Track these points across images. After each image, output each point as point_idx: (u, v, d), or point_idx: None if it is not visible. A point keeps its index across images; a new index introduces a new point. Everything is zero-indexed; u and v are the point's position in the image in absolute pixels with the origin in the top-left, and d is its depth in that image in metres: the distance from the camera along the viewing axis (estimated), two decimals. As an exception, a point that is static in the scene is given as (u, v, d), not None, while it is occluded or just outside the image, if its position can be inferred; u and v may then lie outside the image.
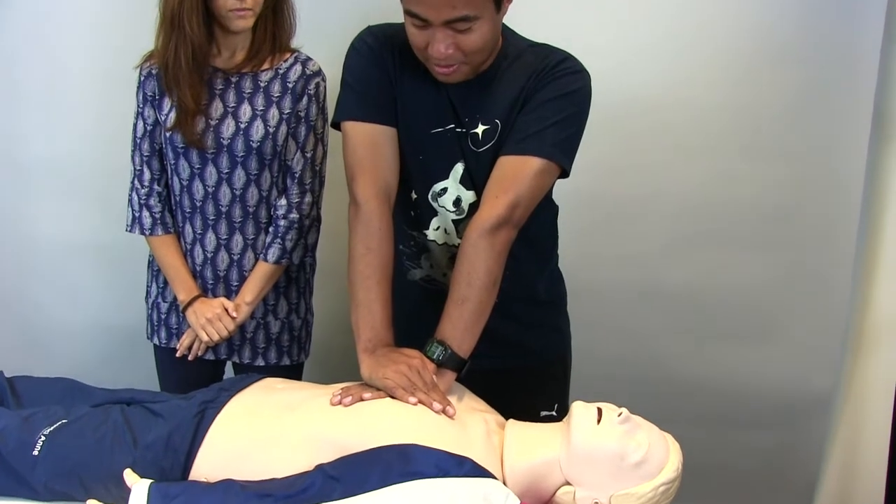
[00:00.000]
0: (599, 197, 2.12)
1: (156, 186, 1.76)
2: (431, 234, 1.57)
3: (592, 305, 2.06)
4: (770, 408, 2.25)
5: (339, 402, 1.32)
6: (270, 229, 1.74)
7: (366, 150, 1.48)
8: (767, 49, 2.03)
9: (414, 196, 1.55)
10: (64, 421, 1.32)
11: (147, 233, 1.77)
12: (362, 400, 1.33)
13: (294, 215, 1.74)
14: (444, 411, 1.32)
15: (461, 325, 1.41)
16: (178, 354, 1.77)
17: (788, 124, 2.08)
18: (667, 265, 2.18)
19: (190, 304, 1.75)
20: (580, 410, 1.30)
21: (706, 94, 2.07)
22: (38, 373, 1.56)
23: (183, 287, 1.76)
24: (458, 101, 1.48)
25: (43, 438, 1.29)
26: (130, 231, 1.79)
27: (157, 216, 1.76)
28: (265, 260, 1.74)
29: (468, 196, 1.51)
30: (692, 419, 2.10)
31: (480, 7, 1.32)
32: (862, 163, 1.83)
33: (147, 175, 1.75)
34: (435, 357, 1.40)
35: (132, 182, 1.78)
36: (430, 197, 1.53)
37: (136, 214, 1.77)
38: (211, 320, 1.73)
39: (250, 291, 1.74)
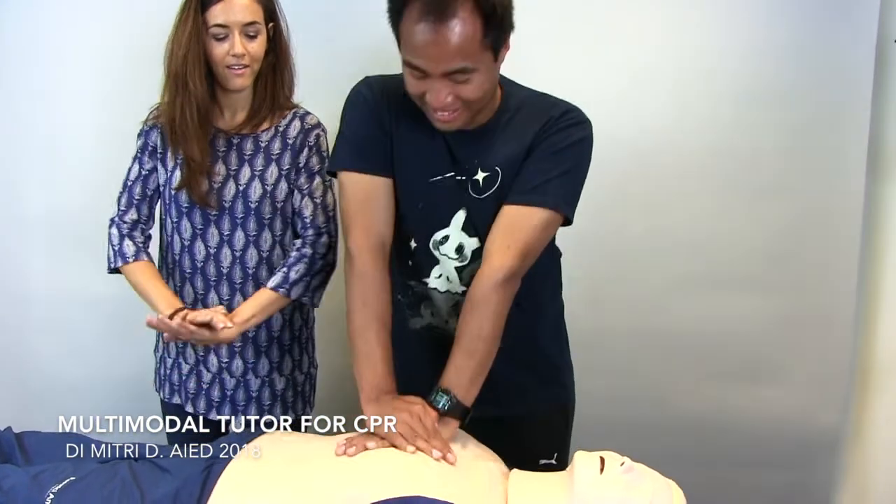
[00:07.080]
0: (601, 240, 2.14)
1: (140, 226, 1.71)
2: (433, 282, 1.57)
3: (595, 347, 2.06)
4: (776, 448, 2.24)
5: (344, 453, 1.34)
6: (281, 262, 1.71)
7: (359, 203, 1.50)
8: (760, 90, 2.06)
9: (413, 245, 1.56)
10: (72, 478, 1.32)
11: (131, 259, 1.68)
12: (366, 450, 1.34)
13: (307, 250, 1.69)
14: (444, 458, 1.33)
15: (467, 375, 1.42)
16: (166, 339, 1.63)
17: (785, 164, 2.11)
18: (669, 307, 2.19)
19: (175, 314, 1.61)
20: (582, 460, 1.30)
21: (702, 137, 2.10)
22: (45, 428, 1.55)
23: (167, 302, 1.63)
24: (457, 148, 1.49)
25: (52, 496, 1.29)
26: (113, 266, 1.69)
27: (141, 245, 1.70)
28: (264, 285, 1.68)
29: (471, 243, 1.52)
30: (697, 461, 2.09)
31: (478, 59, 1.34)
32: (859, 200, 1.84)
33: (132, 215, 1.71)
34: (440, 406, 1.41)
35: (111, 220, 1.72)
36: (430, 245, 1.54)
37: (117, 248, 1.69)
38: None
39: (243, 312, 1.64)
